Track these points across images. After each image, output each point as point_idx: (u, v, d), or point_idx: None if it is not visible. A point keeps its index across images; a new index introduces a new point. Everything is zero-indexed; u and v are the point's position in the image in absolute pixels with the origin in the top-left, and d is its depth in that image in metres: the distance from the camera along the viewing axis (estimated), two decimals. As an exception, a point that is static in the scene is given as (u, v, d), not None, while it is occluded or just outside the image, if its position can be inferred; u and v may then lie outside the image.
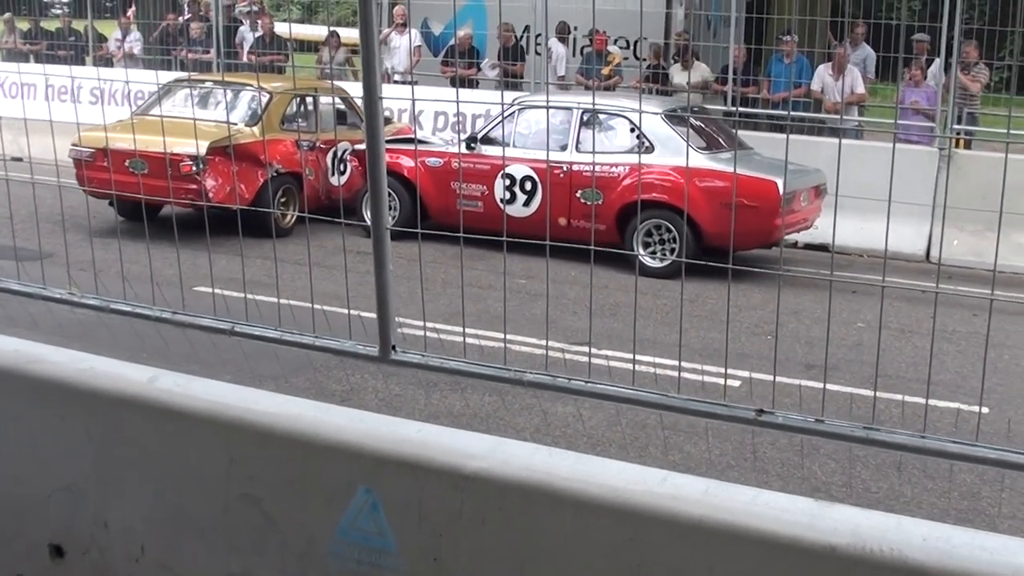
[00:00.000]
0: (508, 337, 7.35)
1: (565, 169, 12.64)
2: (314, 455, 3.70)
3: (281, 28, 20.08)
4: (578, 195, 12.55)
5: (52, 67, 18.65)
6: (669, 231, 12.29)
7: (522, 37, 19.22)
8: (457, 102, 13.04)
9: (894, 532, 3.04)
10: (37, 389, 4.25)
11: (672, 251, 12.26)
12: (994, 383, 8.68)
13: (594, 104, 12.99)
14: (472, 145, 13.29)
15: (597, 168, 12.63)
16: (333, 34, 19.11)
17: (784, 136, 14.53)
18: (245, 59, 19.61)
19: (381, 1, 20.84)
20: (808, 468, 7.09)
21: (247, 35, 20.22)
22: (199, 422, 3.92)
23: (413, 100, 14.70)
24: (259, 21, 20.07)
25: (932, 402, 7.35)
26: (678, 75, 17.14)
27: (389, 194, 13.31)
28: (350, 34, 22.06)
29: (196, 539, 3.92)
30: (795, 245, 13.78)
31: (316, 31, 21.32)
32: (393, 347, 4.37)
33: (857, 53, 16.54)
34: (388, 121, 15.79)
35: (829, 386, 7.65)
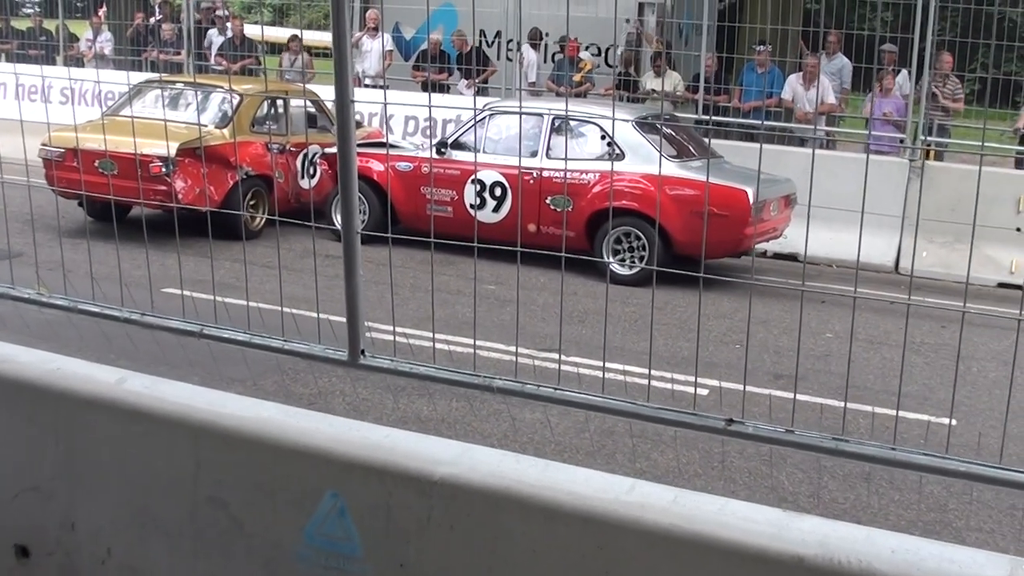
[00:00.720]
0: (477, 343, 7.35)
1: (535, 175, 12.64)
2: (282, 459, 3.69)
3: (252, 31, 19.97)
4: (548, 201, 12.54)
5: (22, 66, 18.51)
6: (639, 238, 12.29)
7: (493, 42, 19.24)
8: (429, 106, 13.02)
9: (863, 544, 3.05)
10: (4, 389, 4.22)
11: (641, 259, 12.26)
12: (963, 395, 8.72)
13: (567, 110, 13.01)
14: (443, 150, 13.27)
15: (568, 174, 12.63)
16: (294, 38, 19.05)
17: (755, 145, 14.67)
18: (213, 61, 19.57)
19: (353, 5, 20.84)
20: (775, 478, 7.11)
21: (215, 38, 20.16)
22: (167, 424, 3.90)
23: (385, 104, 14.68)
24: (228, 24, 20.02)
25: (901, 414, 7.38)
26: (651, 82, 17.16)
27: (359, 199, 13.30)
28: (322, 37, 22.01)
29: (163, 542, 3.90)
30: (764, 254, 13.82)
31: (288, 34, 21.26)
32: (362, 351, 4.35)
33: (833, 63, 16.61)
34: (359, 125, 15.77)
35: (798, 396, 7.71)
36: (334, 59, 3.93)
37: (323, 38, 21.31)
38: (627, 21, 18.77)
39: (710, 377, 7.88)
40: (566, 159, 12.63)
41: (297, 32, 18.85)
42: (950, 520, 6.67)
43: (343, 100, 3.99)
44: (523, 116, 13.23)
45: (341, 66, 3.97)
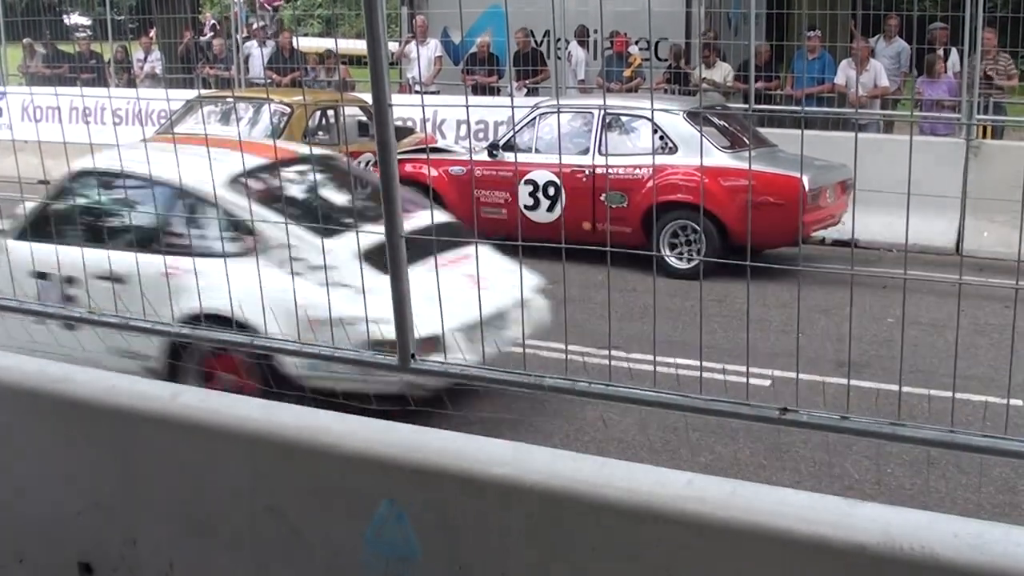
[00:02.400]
0: (536, 343, 7.32)
1: (588, 173, 12.60)
2: (337, 466, 3.69)
3: (306, 42, 20.10)
4: (602, 198, 12.50)
5: (71, 89, 18.60)
6: (695, 231, 12.23)
7: (542, 42, 19.21)
8: (467, 106, 12.99)
9: (925, 529, 3.00)
10: (62, 408, 4.26)
11: (699, 252, 12.20)
12: (1030, 376, 8.58)
13: (604, 105, 12.96)
14: (494, 152, 13.25)
15: (621, 171, 12.58)
16: (329, 52, 19.12)
17: (810, 132, 14.54)
18: (255, 75, 19.66)
19: (400, 12, 20.90)
20: (840, 466, 7.04)
21: (253, 51, 20.24)
22: (222, 436, 3.91)
23: (424, 107, 14.70)
24: (269, 38, 20.12)
25: (966, 396, 7.28)
26: (703, 73, 17.06)
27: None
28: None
29: (223, 553, 3.91)
30: (822, 242, 13.67)
31: (346, 44, 21.37)
32: (412, 355, 4.34)
33: (892, 47, 16.46)
34: (411, 132, 15.80)
35: (860, 383, 7.63)
36: (369, 63, 3.92)
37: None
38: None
39: (771, 367, 7.81)
40: (606, 155, 12.55)
41: (327, 49, 18.93)
42: (1019, 502, 6.58)
43: (381, 104, 3.98)
44: (573, 114, 13.20)
45: (377, 70, 3.95)
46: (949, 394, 7.27)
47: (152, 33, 21.64)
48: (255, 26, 21.30)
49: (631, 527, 3.27)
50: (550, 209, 12.82)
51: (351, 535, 3.65)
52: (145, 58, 21.02)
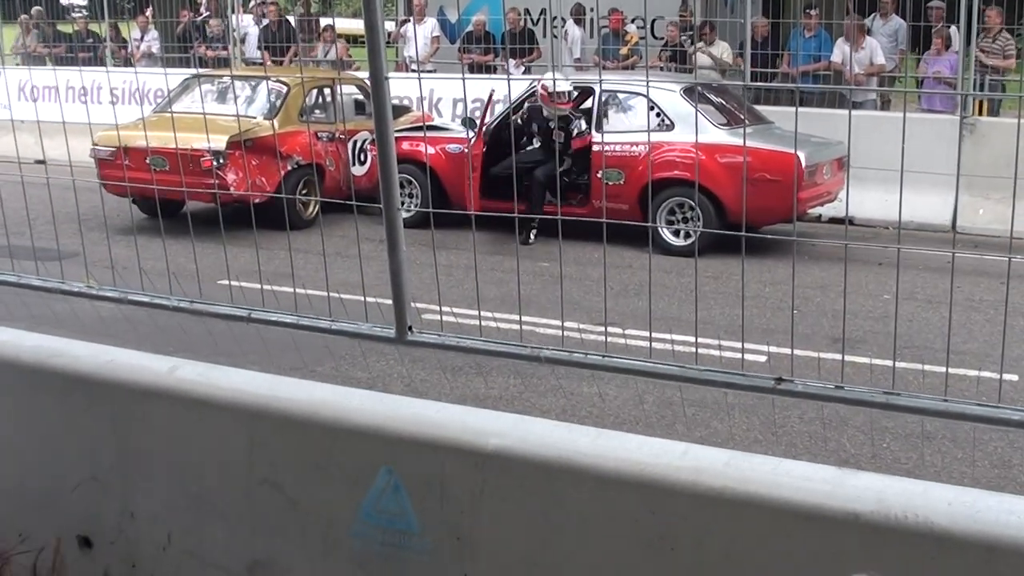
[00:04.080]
0: (534, 320, 7.35)
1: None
2: (334, 438, 3.71)
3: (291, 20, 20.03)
4: (599, 175, 12.50)
5: (68, 68, 18.55)
6: (692, 208, 12.24)
7: (538, 21, 19.18)
8: (464, 83, 12.97)
9: (919, 498, 3.03)
10: (60, 382, 4.28)
11: (696, 229, 12.21)
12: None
13: (600, 81, 12.96)
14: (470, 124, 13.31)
15: (618, 148, 12.56)
16: (327, 28, 19.07)
17: (806, 109, 14.55)
18: (251, 53, 19.60)
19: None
20: (836, 440, 7.06)
21: (249, 29, 20.17)
22: (220, 410, 3.94)
23: (419, 80, 14.74)
24: (264, 12, 20.04)
25: (961, 371, 7.31)
26: (701, 56, 17.04)
27: (409, 181, 13.32)
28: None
29: (220, 526, 3.94)
30: (819, 219, 13.69)
31: (343, 23, 21.35)
32: (409, 328, 4.36)
33: (889, 25, 16.44)
34: (407, 110, 15.79)
35: (856, 358, 7.65)
36: (366, 38, 3.93)
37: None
38: None
39: (768, 343, 7.83)
40: (603, 132, 12.54)
41: (326, 23, 18.88)
42: (1015, 475, 6.60)
43: (378, 78, 3.99)
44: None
45: (374, 44, 3.96)
46: (942, 368, 7.35)
47: (148, 12, 21.57)
48: (252, 3, 21.21)
49: (626, 497, 3.30)
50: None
51: (348, 506, 3.68)
52: (142, 37, 20.96)
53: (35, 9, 21.64)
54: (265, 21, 19.87)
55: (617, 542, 3.32)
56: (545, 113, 12.72)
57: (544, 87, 12.60)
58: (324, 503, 3.73)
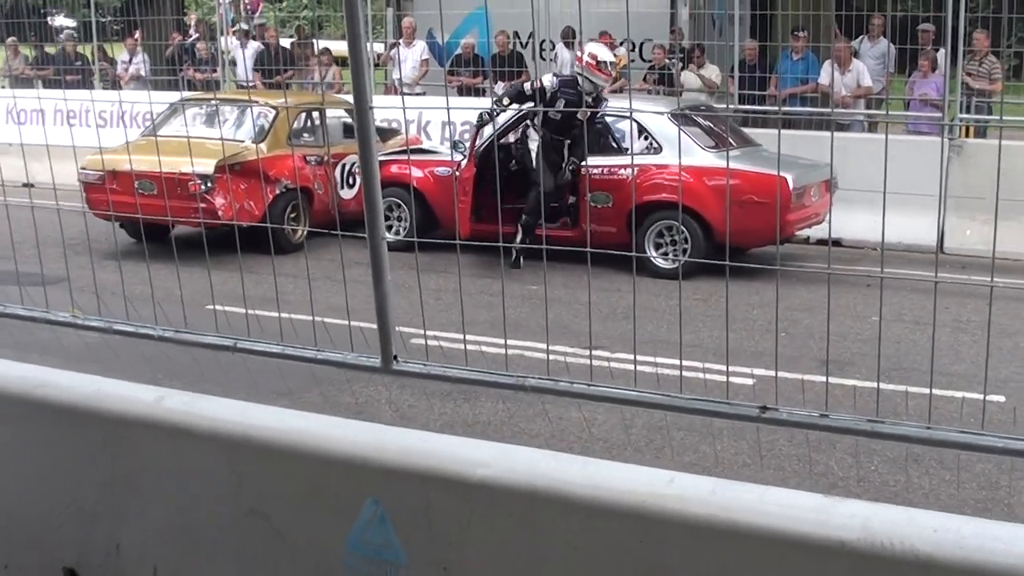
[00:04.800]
0: (523, 343, 7.34)
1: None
2: (320, 468, 3.70)
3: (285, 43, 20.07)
4: (588, 198, 12.50)
5: (53, 91, 18.52)
6: (680, 231, 12.26)
7: (527, 44, 19.22)
8: (447, 108, 12.97)
9: (905, 525, 3.02)
10: (46, 413, 4.25)
11: (684, 252, 12.22)
12: (1012, 371, 8.63)
13: (583, 107, 12.96)
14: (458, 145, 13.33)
15: (605, 171, 12.57)
16: (324, 51, 19.09)
17: (794, 132, 14.59)
18: (246, 76, 19.60)
19: (386, 14, 20.88)
20: (824, 464, 7.07)
21: (237, 52, 20.19)
22: (207, 440, 3.91)
23: (404, 108, 14.74)
24: (255, 36, 20.06)
25: (948, 393, 7.32)
26: (691, 78, 17.09)
27: (398, 205, 13.32)
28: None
29: (207, 558, 3.92)
30: (807, 241, 13.71)
31: (333, 45, 21.28)
32: (395, 357, 4.35)
33: (877, 47, 16.50)
34: (396, 132, 15.81)
35: (842, 381, 7.65)
36: (351, 65, 3.93)
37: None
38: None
39: (755, 366, 7.84)
40: (586, 154, 12.49)
41: (323, 47, 18.88)
42: (1001, 498, 6.61)
43: (362, 107, 3.99)
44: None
45: (358, 72, 3.96)
46: (936, 391, 7.37)
47: (137, 35, 21.59)
48: (237, 28, 21.23)
49: (614, 526, 3.29)
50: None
51: (335, 538, 3.66)
52: (130, 60, 20.98)
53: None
54: (255, 44, 19.90)
55: (606, 572, 3.31)
56: (582, 85, 12.62)
57: (593, 55, 12.56)
58: (311, 535, 3.71)
